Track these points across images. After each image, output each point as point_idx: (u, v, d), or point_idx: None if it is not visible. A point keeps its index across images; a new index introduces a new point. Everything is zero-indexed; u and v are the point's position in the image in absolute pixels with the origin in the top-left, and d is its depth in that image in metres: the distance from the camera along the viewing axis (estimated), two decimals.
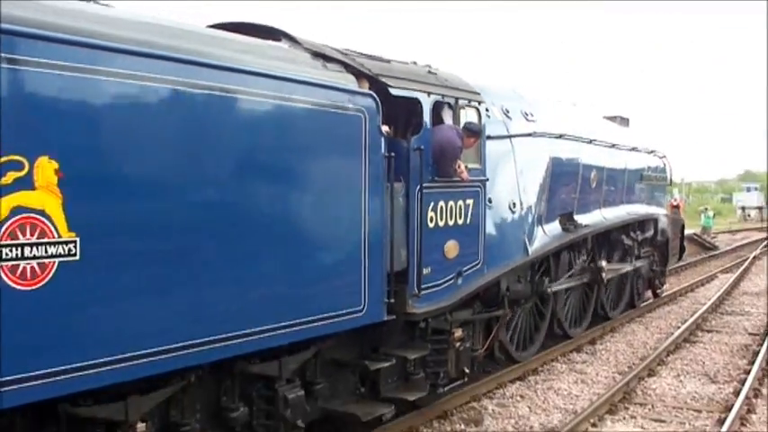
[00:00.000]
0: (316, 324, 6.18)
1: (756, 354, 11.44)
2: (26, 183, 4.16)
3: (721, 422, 8.29)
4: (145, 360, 4.79)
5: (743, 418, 8.58)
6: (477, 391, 9.22)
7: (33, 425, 4.70)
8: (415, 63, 8.47)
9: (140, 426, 5.04)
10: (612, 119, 15.23)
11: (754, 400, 9.28)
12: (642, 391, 9.77)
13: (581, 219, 11.63)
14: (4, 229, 4.06)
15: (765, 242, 31.56)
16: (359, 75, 6.81)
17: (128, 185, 4.70)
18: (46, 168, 4.25)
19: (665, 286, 16.91)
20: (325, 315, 6.26)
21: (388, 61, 7.77)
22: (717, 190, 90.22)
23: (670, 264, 16.78)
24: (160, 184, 4.91)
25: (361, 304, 6.62)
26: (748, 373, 10.27)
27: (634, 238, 14.09)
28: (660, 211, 15.79)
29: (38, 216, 4.21)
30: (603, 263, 12.50)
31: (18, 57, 4.13)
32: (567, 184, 11.42)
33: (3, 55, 4.04)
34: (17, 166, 4.13)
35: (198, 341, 5.17)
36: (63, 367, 4.38)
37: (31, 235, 4.19)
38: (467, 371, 8.49)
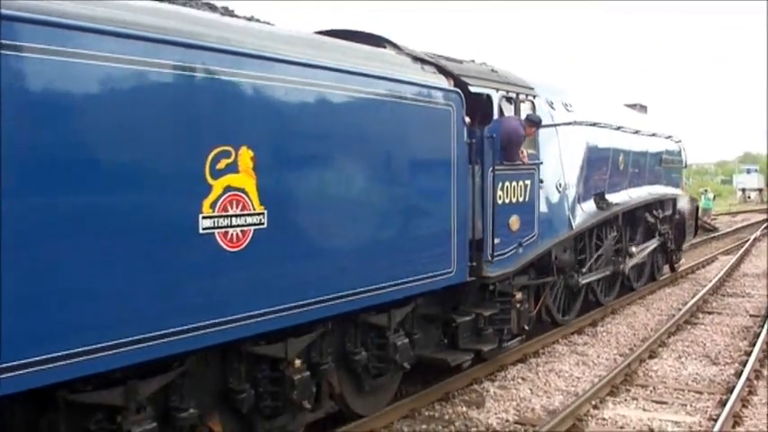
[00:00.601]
0: (417, 283, 7.47)
1: (757, 335, 11.46)
2: (233, 168, 5.41)
3: (723, 404, 8.26)
4: (313, 307, 6.08)
5: (744, 400, 8.54)
6: (478, 374, 9.31)
7: (223, 357, 5.97)
8: (473, 61, 9.70)
9: (298, 362, 6.31)
10: (632, 106, 16.46)
11: (755, 382, 9.26)
12: (643, 373, 9.80)
13: (611, 198, 12.88)
14: (219, 203, 5.32)
15: (765, 224, 31.81)
16: (447, 75, 8.06)
17: (297, 169, 5.97)
18: (245, 156, 5.50)
19: (681, 261, 18.17)
20: (425, 276, 7.56)
21: (461, 62, 9.02)
22: (717, 172, 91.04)
23: (687, 240, 18.05)
24: (320, 169, 6.19)
25: (451, 267, 7.92)
26: (749, 354, 10.29)
27: (656, 216, 15.37)
28: (677, 192, 17.09)
29: (240, 193, 5.47)
30: (633, 248, 13.85)
31: (234, 71, 5.38)
32: (599, 167, 12.67)
33: (226, 71, 5.30)
34: (227, 154, 5.38)
35: (339, 294, 6.45)
36: (251, 312, 5.63)
37: (236, 208, 5.44)
38: (526, 328, 9.81)
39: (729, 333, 12.14)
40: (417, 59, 7.85)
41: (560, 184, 10.82)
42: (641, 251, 14.62)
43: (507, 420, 8.00)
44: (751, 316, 13.43)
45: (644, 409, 8.39)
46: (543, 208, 10.13)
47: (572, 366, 10.08)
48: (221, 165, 5.33)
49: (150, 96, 4.84)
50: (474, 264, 8.36)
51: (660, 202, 15.83)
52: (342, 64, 6.42)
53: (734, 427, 7.81)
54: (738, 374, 9.38)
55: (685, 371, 9.90)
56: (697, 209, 18.38)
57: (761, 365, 9.94)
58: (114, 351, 4.61)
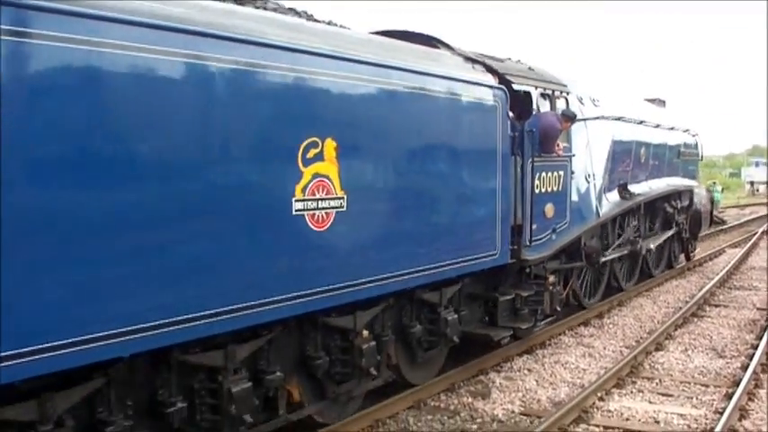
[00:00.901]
0: (466, 264, 8.17)
1: (764, 328, 11.43)
2: (320, 156, 6.10)
3: (729, 397, 8.26)
4: (380, 283, 6.79)
5: (750, 393, 8.52)
6: (484, 365, 9.35)
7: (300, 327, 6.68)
8: (510, 59, 10.34)
9: (365, 333, 7.01)
10: (652, 101, 17.08)
11: (761, 375, 9.23)
12: (650, 366, 9.78)
13: (633, 189, 13.55)
14: (309, 188, 6.00)
15: None
16: (493, 73, 8.72)
17: (371, 158, 6.66)
18: (330, 146, 6.18)
19: (696, 250, 18.83)
20: (473, 257, 8.25)
21: (503, 60, 9.66)
22: (725, 164, 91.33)
23: (702, 230, 18.70)
24: (389, 159, 6.88)
25: (495, 250, 8.62)
26: (756, 347, 10.28)
27: (674, 207, 16.04)
28: (694, 184, 17.74)
29: (325, 180, 6.16)
30: (651, 245, 14.56)
31: (321, 71, 6.07)
32: (623, 159, 13.33)
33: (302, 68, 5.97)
34: (315, 144, 6.06)
35: (400, 272, 7.14)
36: (331, 286, 6.32)
37: (322, 193, 6.13)
38: (558, 309, 10.51)
39: (736, 326, 12.11)
40: (468, 59, 8.51)
41: (589, 175, 11.48)
42: (656, 240, 15.27)
43: (513, 411, 8.04)
44: (758, 309, 13.39)
45: (650, 402, 8.40)
46: (574, 197, 10.81)
47: (578, 358, 10.09)
48: (311, 154, 6.02)
49: (260, 95, 5.53)
50: (515, 247, 9.05)
51: (678, 194, 16.49)
52: (409, 64, 7.10)
53: (740, 420, 7.80)
54: (745, 368, 9.39)
55: (692, 364, 9.91)
56: (712, 200, 18.98)
57: (767, 359, 9.92)
58: (217, 318, 5.28)
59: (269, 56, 5.58)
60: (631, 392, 8.73)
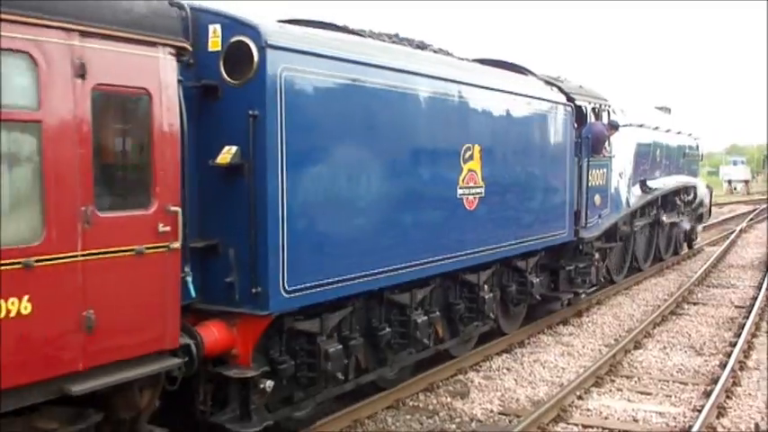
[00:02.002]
0: (546, 239, 10.73)
1: (742, 326, 11.50)
2: (471, 157, 8.65)
3: (707, 394, 8.32)
4: (496, 251, 9.36)
5: (728, 391, 8.58)
6: (463, 364, 9.42)
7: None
8: (566, 79, 12.92)
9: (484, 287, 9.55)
10: (661, 108, 19.79)
11: (739, 373, 9.29)
12: (628, 364, 9.84)
13: (652, 184, 16.22)
14: (465, 179, 8.52)
15: (751, 215, 32.47)
16: (563, 93, 11.32)
17: (498, 158, 9.22)
18: (477, 149, 8.74)
19: (697, 240, 21.55)
20: (551, 234, 10.83)
21: (562, 80, 12.24)
22: (704, 163, 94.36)
23: (704, 221, 21.46)
24: (507, 159, 9.47)
25: (565, 230, 11.22)
26: (734, 345, 10.32)
27: (682, 200, 18.82)
28: (697, 180, 20.51)
29: (474, 173, 8.70)
30: (664, 217, 17.26)
31: (470, 95, 8.64)
32: (644, 160, 16.00)
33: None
34: (469, 148, 8.61)
35: (507, 244, 9.67)
36: (472, 251, 8.83)
37: (472, 183, 8.66)
38: (602, 280, 13.15)
39: (714, 324, 12.23)
40: (547, 83, 11.12)
41: (621, 173, 14.11)
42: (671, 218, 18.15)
43: (492, 411, 8.07)
44: (736, 307, 13.51)
45: (628, 400, 8.45)
46: (612, 190, 13.44)
47: (557, 357, 10.15)
48: (467, 155, 8.58)
49: (445, 114, 8.11)
50: (576, 228, 11.66)
51: (685, 188, 19.26)
52: (519, 90, 9.68)
53: (718, 417, 7.86)
54: (723, 365, 9.45)
55: (670, 362, 9.97)
56: (711, 194, 21.77)
57: (745, 356, 10.03)
58: (408, 269, 7.67)
59: (448, 88, 8.15)
60: (610, 391, 8.78)
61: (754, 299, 13.59)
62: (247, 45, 5.82)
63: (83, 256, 4.45)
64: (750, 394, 8.60)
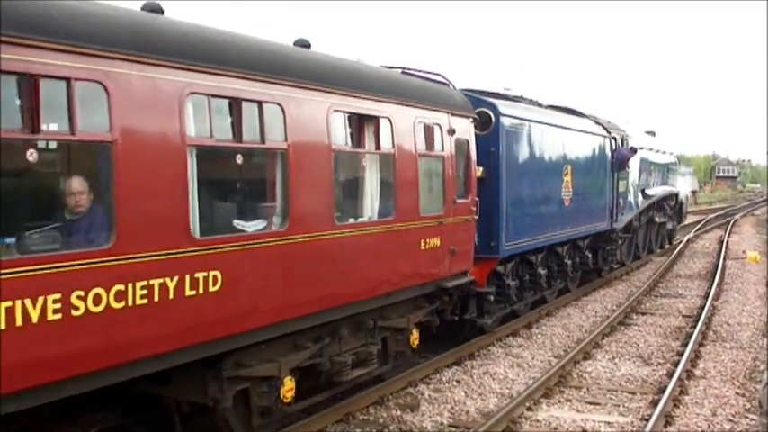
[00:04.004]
0: (594, 227, 15.96)
1: (689, 335, 11.61)
2: (566, 172, 13.87)
3: (655, 404, 8.33)
4: (568, 234, 14.69)
5: (676, 400, 8.61)
6: (413, 377, 9.40)
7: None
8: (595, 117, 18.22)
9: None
10: (648, 132, 25.29)
11: (686, 382, 9.36)
12: (577, 375, 9.84)
13: (649, 192, 21.61)
14: (565, 186, 13.70)
15: (698, 226, 33.96)
16: (606, 129, 16.70)
17: (577, 173, 14.48)
18: (569, 167, 13.99)
19: (677, 237, 27.07)
20: (596, 224, 16.10)
21: (595, 117, 17.43)
22: None
23: (682, 222, 27.29)
24: (580, 173, 14.75)
25: (605, 221, 16.54)
26: (681, 354, 10.39)
27: (669, 205, 24.47)
28: (676, 190, 26.04)
29: (568, 182, 13.94)
30: (657, 218, 22.84)
31: (563, 131, 13.91)
32: (643, 173, 21.34)
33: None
34: (567, 167, 13.87)
35: (575, 229, 14.85)
36: (562, 233, 14.04)
37: (567, 189, 13.90)
38: (628, 260, 18.63)
39: (662, 333, 12.36)
40: (597, 123, 16.45)
41: (633, 183, 19.48)
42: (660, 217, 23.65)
43: (442, 423, 8.03)
44: (684, 316, 13.75)
45: (577, 411, 8.47)
46: (630, 196, 18.84)
47: (507, 368, 10.18)
48: (565, 171, 13.79)
49: (559, 144, 13.35)
50: (610, 221, 16.93)
51: (671, 196, 24.86)
52: (583, 128, 15.11)
53: (666, 426, 7.88)
54: (670, 374, 9.49)
55: (618, 372, 10.01)
56: (686, 201, 27.60)
57: (692, 365, 10.12)
58: (538, 240, 12.69)
59: (558, 130, 13.44)
60: (560, 402, 8.78)
61: (702, 308, 14.05)
62: (488, 114, 10.94)
63: (452, 219, 9.40)
64: (697, 402, 8.69)
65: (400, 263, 8.32)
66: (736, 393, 8.98)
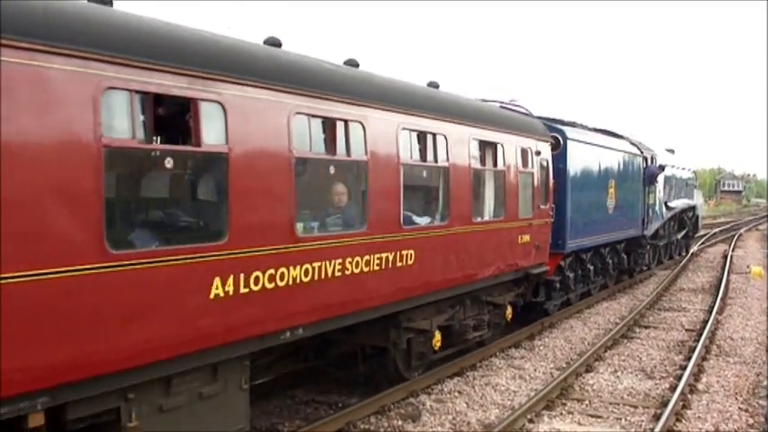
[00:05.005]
0: (628, 232, 18.66)
1: (692, 349, 11.57)
2: (612, 186, 16.62)
3: (657, 418, 8.29)
4: (612, 237, 17.37)
5: (678, 414, 8.57)
6: (415, 387, 9.38)
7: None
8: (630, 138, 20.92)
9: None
10: (668, 150, 27.98)
11: (689, 396, 9.31)
12: (579, 387, 9.79)
13: (671, 204, 24.27)
14: (610, 196, 16.39)
15: (703, 239, 34.79)
16: (639, 149, 19.42)
17: (617, 185, 17.16)
18: (612, 181, 16.75)
19: (694, 247, 29.74)
20: (631, 230, 18.82)
21: (630, 138, 20.14)
22: None
23: (698, 232, 29.94)
24: (620, 185, 17.48)
25: (639, 228, 19.21)
26: (684, 368, 10.36)
27: (687, 216, 27.10)
28: (694, 202, 28.68)
29: (612, 194, 16.69)
30: (677, 227, 25.46)
31: (606, 152, 16.66)
32: (667, 188, 24.03)
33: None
34: (611, 181, 16.62)
35: (614, 233, 17.54)
36: (608, 233, 16.73)
37: (611, 199, 16.65)
38: (652, 264, 21.36)
39: (665, 347, 12.28)
40: (632, 143, 19.13)
41: (659, 196, 22.15)
42: (679, 234, 26.34)
43: None
44: (687, 330, 13.70)
45: (579, 423, 8.39)
46: (656, 207, 21.51)
47: (508, 380, 10.13)
48: (610, 184, 16.53)
49: (605, 162, 16.08)
50: (642, 228, 19.59)
51: (689, 208, 27.51)
52: (623, 148, 17.89)
53: None
54: (673, 388, 9.45)
55: (621, 385, 9.96)
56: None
57: (695, 380, 10.07)
58: (581, 242, 15.42)
59: (606, 150, 16.12)
60: (561, 414, 8.75)
61: (705, 322, 14.04)
62: (558, 138, 13.64)
63: (537, 221, 12.08)
64: (700, 417, 8.67)
65: (506, 252, 11.00)
66: (740, 408, 9.01)
